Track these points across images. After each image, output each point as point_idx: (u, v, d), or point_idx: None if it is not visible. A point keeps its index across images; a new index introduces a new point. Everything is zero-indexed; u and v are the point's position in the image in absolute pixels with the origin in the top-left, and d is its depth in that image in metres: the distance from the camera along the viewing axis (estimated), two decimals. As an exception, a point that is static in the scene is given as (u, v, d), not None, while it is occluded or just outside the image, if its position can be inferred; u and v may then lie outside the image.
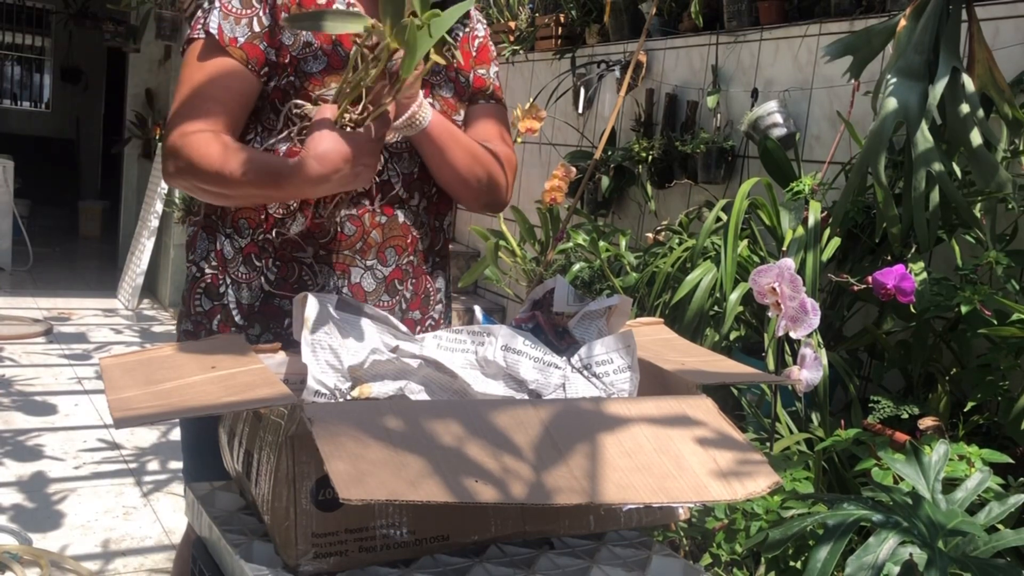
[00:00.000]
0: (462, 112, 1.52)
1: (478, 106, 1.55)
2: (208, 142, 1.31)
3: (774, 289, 1.40)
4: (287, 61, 1.37)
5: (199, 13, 1.40)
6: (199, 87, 1.35)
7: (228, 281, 1.44)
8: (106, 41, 7.14)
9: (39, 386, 4.24)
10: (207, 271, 1.46)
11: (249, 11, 1.37)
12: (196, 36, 1.38)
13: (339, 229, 1.40)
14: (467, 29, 1.55)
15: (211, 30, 1.36)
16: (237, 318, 1.44)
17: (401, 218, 1.45)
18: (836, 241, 2.34)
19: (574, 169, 3.26)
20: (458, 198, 1.50)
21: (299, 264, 1.42)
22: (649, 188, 3.63)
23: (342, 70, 1.36)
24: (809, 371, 1.39)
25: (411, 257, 1.48)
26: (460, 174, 1.45)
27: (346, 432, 0.88)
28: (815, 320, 1.38)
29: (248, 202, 1.38)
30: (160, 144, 6.05)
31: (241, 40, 1.36)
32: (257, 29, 1.37)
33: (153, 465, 3.45)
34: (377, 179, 1.41)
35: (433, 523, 1.03)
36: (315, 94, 1.36)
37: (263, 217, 1.42)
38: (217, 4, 1.38)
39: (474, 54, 1.55)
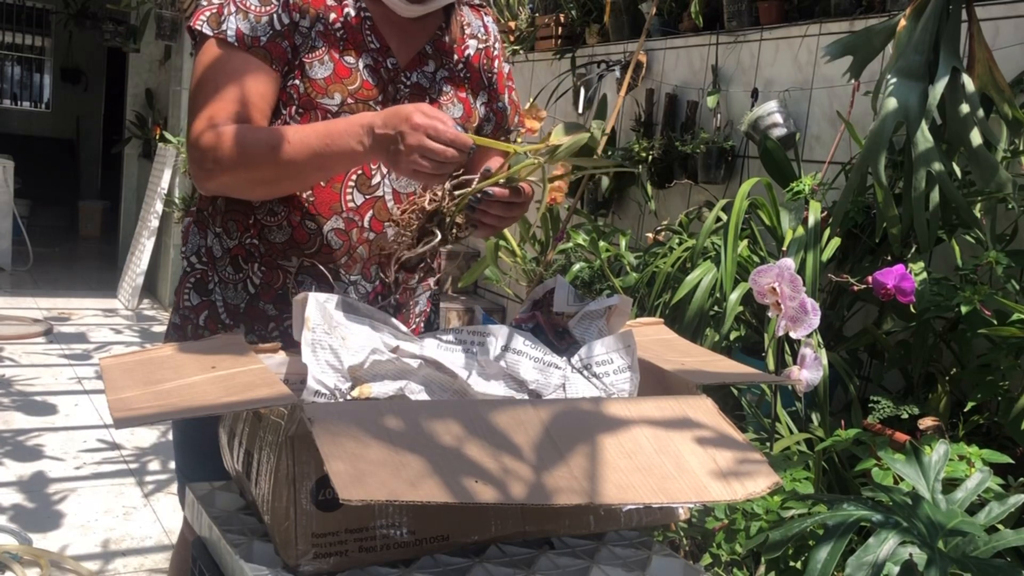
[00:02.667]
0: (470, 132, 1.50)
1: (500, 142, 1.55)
2: (253, 128, 1.29)
3: (774, 289, 1.40)
4: (296, 63, 1.35)
5: (204, 2, 1.35)
6: (227, 89, 1.31)
7: (216, 279, 1.43)
8: (106, 41, 7.13)
9: (39, 386, 4.24)
10: (197, 266, 1.45)
11: (268, 8, 1.33)
12: (206, 31, 1.32)
13: (325, 242, 1.39)
14: (482, 47, 1.52)
15: (229, 33, 1.31)
16: (224, 316, 1.43)
17: (391, 235, 1.41)
18: (836, 241, 2.34)
19: (574, 169, 3.26)
20: (489, 234, 1.50)
21: (283, 272, 1.41)
22: (649, 188, 3.63)
23: (347, 78, 1.35)
24: (809, 371, 1.39)
25: (396, 275, 1.46)
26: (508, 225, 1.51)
27: (346, 432, 0.88)
28: (815, 320, 1.38)
29: (299, 180, 1.31)
30: (161, 143, 6.06)
31: (264, 40, 1.32)
32: (278, 27, 1.33)
33: (153, 465, 3.45)
34: (368, 195, 1.39)
35: (433, 523, 1.03)
36: (318, 100, 1.34)
37: (251, 221, 1.40)
38: (233, 2, 1.33)
39: (491, 83, 1.53)
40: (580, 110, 4.19)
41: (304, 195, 1.38)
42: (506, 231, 3.36)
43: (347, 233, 1.39)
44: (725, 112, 3.40)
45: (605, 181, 3.80)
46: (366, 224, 1.40)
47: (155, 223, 6.05)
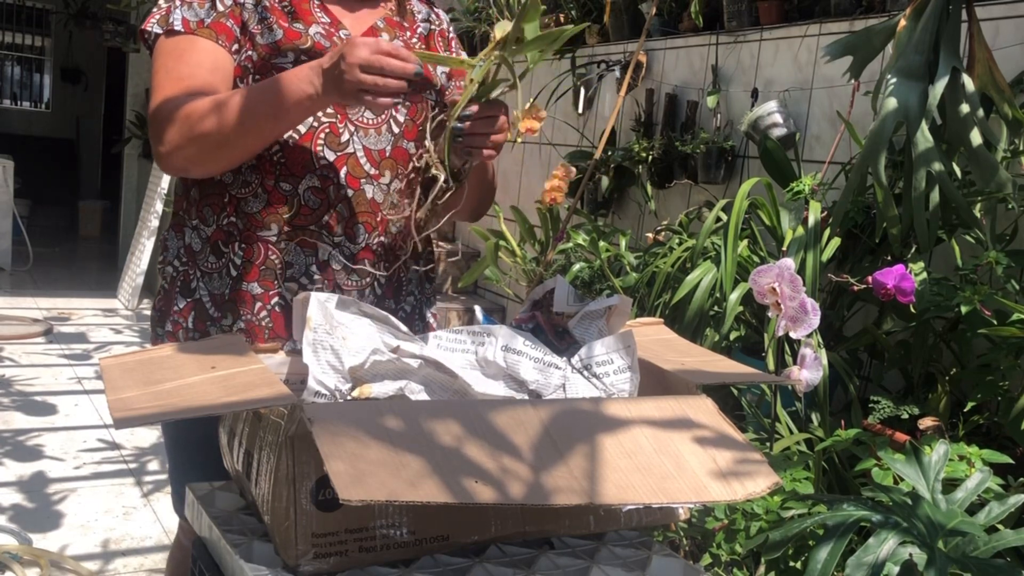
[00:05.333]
0: (428, 97, 1.50)
1: None
2: (197, 99, 1.31)
3: (774, 289, 1.40)
4: (246, 37, 1.38)
5: (155, 8, 1.41)
6: (171, 72, 1.35)
7: (199, 274, 1.43)
8: (106, 41, 7.14)
9: (39, 386, 4.24)
10: (179, 268, 1.45)
11: None
12: (156, 31, 1.38)
13: (302, 202, 1.39)
14: (435, 28, 1.55)
15: (176, 24, 1.37)
16: (211, 310, 1.42)
17: (369, 194, 1.42)
18: (836, 241, 2.34)
19: (574, 169, 3.26)
20: (455, 215, 1.49)
21: (264, 244, 1.40)
22: (649, 188, 3.63)
23: (298, 40, 1.38)
24: (809, 371, 1.39)
25: (381, 238, 1.44)
26: (483, 201, 1.51)
27: (346, 432, 0.88)
28: (815, 320, 1.38)
29: (257, 135, 1.31)
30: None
31: (208, 21, 1.37)
32: (221, 8, 1.38)
33: (153, 465, 3.45)
34: (339, 152, 1.39)
35: (433, 523, 1.03)
36: (272, 61, 1.36)
37: (226, 200, 1.41)
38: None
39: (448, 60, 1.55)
40: (580, 110, 4.19)
41: (274, 158, 1.38)
42: (506, 231, 3.36)
43: (324, 191, 1.39)
44: (725, 112, 3.40)
45: (605, 181, 3.80)
46: (342, 181, 1.40)
47: (155, 223, 6.04)
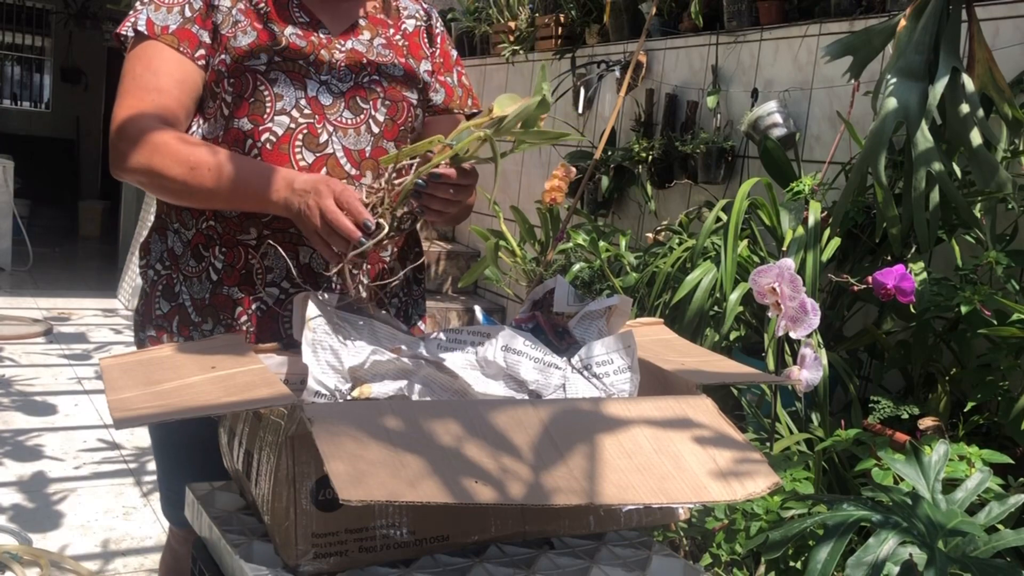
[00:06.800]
0: (410, 96, 1.48)
1: (447, 117, 1.53)
2: (168, 132, 1.31)
3: (774, 289, 1.40)
4: (218, 42, 1.37)
5: (131, 12, 1.40)
6: (138, 79, 1.35)
7: (181, 278, 1.41)
8: (106, 41, 7.15)
9: (39, 386, 4.24)
10: (162, 272, 1.44)
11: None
12: (129, 34, 1.38)
13: None
14: (422, 24, 1.53)
15: (140, 26, 1.36)
16: (192, 315, 1.40)
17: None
18: (836, 241, 2.34)
19: (574, 169, 3.26)
20: (439, 223, 1.47)
21: (244, 248, 1.38)
22: (649, 188, 3.63)
23: (271, 41, 1.36)
24: (809, 371, 1.39)
25: (352, 272, 1.41)
26: (464, 209, 1.48)
27: (346, 432, 0.88)
28: (815, 320, 1.37)
29: (205, 200, 1.32)
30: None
31: (173, 27, 1.36)
32: (188, 14, 1.37)
33: (153, 465, 3.45)
34: (318, 153, 1.37)
35: (433, 523, 1.03)
36: (245, 64, 1.35)
37: None
38: (151, 1, 1.38)
39: (434, 55, 1.53)
40: (580, 110, 4.19)
41: (252, 158, 1.36)
42: (506, 231, 3.35)
43: None
44: (725, 112, 3.40)
45: (605, 181, 3.80)
46: None
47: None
